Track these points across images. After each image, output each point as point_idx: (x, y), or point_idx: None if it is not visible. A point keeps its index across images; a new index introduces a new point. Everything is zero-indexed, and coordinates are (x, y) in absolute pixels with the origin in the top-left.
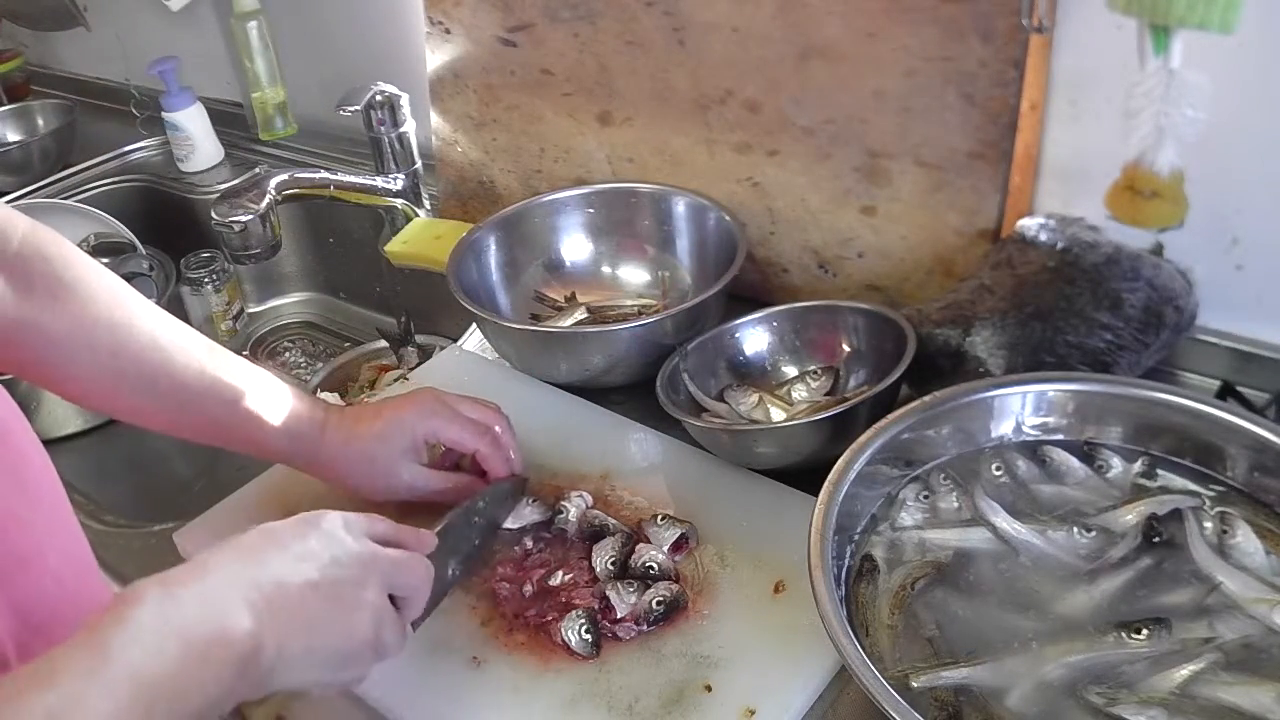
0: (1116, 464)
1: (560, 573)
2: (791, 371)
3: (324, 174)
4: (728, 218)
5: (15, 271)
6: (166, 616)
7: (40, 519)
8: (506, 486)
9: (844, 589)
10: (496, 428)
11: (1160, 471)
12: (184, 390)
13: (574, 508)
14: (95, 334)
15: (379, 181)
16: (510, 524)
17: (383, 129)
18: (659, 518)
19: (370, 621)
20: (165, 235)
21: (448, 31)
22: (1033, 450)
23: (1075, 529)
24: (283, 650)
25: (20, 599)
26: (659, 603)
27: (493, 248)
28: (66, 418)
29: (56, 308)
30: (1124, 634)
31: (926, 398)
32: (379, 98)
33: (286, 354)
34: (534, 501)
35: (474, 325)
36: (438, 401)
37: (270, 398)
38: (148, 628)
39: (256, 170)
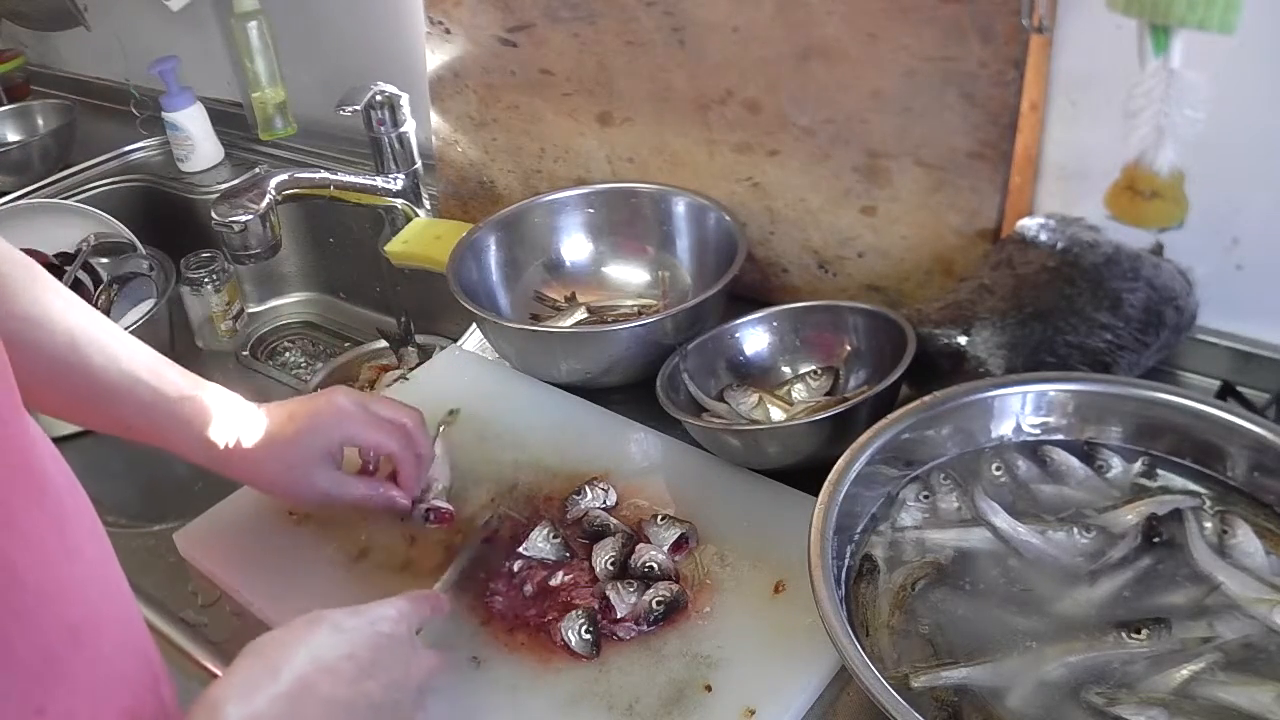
0: (1116, 464)
1: (560, 573)
2: (791, 371)
3: (324, 174)
4: (728, 218)
5: None
6: None
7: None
8: (476, 544)
9: (844, 589)
10: (409, 424)
11: (1160, 471)
12: (98, 391)
13: (592, 497)
14: (6, 329)
15: (379, 181)
16: (525, 550)
17: (383, 129)
18: (659, 518)
19: None
20: (165, 235)
21: (448, 31)
22: (1033, 450)
23: (1075, 529)
24: None
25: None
26: (659, 603)
27: (493, 248)
28: None
29: None
30: (1124, 634)
31: (926, 398)
32: (379, 98)
33: (286, 354)
34: (554, 537)
35: (474, 325)
36: (354, 404)
37: (189, 401)
38: None
39: (256, 170)
